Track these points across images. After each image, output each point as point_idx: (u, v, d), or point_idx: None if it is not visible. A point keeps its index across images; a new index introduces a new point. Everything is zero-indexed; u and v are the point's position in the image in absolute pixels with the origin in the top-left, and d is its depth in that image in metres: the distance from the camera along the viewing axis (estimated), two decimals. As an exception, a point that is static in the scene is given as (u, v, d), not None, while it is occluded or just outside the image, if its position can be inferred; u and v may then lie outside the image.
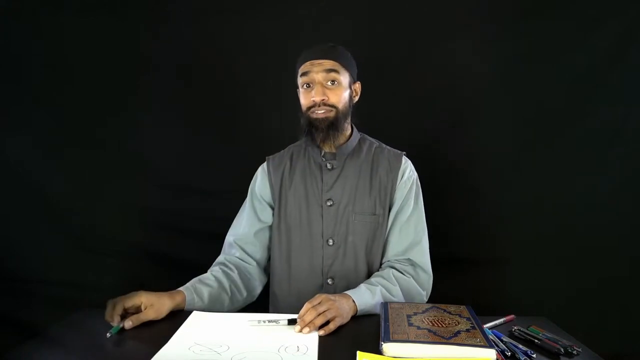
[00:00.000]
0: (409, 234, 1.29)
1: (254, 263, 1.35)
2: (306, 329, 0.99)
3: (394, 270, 1.26)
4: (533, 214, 1.70)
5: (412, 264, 1.27)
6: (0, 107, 1.70)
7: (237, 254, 1.34)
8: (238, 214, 1.41)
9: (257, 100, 1.73)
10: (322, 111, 1.26)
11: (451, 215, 1.73)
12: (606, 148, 1.67)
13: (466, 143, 1.73)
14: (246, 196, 1.42)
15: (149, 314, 1.04)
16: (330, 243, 1.29)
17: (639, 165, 1.66)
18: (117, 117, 1.72)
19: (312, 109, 1.26)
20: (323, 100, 1.25)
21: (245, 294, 1.30)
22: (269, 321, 1.04)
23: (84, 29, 1.67)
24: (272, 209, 1.37)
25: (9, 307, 1.70)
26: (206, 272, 1.29)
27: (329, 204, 1.30)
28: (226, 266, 1.31)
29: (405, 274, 1.26)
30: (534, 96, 1.67)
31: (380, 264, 1.31)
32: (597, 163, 1.68)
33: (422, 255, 1.29)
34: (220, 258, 1.36)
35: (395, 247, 1.29)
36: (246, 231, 1.35)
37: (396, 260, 1.28)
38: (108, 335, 0.96)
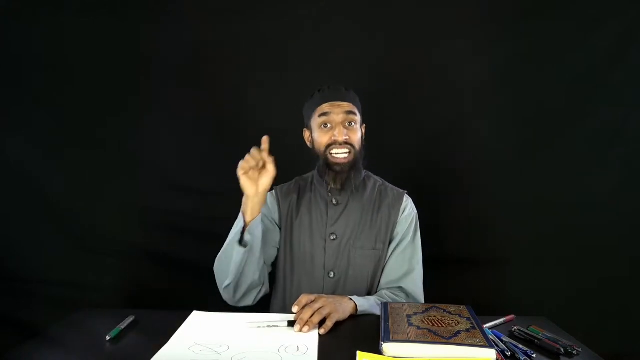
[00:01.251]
0: (404, 264, 1.32)
1: (265, 267, 1.35)
2: (305, 328, 1.00)
3: (386, 291, 1.29)
4: (533, 214, 1.70)
5: (405, 292, 1.30)
6: (0, 107, 1.70)
7: None
8: None
9: (257, 100, 1.73)
10: (344, 155, 1.28)
11: (451, 215, 1.74)
12: (606, 148, 1.67)
13: (466, 143, 1.73)
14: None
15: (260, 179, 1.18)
16: (332, 275, 1.31)
17: (639, 165, 1.67)
18: (117, 117, 1.72)
19: (332, 147, 1.28)
20: (346, 139, 1.27)
21: (262, 279, 1.28)
22: (269, 326, 1.04)
23: (84, 29, 1.67)
24: (280, 230, 1.38)
25: (9, 307, 1.69)
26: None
27: (332, 237, 1.33)
28: None
29: (398, 297, 1.29)
30: (534, 96, 1.68)
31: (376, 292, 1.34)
32: (597, 163, 1.68)
33: (415, 285, 1.31)
34: None
35: (388, 276, 1.32)
36: None
37: (388, 288, 1.31)
38: (107, 337, 0.97)
